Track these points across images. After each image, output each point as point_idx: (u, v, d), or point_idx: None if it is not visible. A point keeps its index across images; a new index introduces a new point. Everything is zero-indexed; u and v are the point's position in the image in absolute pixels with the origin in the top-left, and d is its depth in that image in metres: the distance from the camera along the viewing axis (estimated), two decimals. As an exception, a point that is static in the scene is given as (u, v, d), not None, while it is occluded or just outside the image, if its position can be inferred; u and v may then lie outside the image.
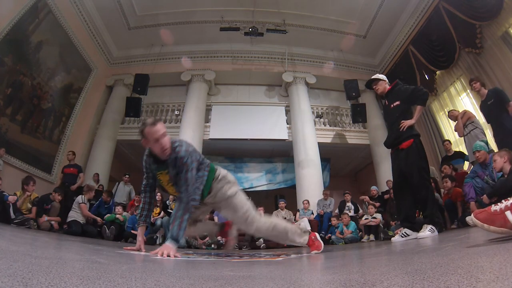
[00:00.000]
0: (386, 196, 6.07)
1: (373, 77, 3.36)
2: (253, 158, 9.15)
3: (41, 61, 6.49)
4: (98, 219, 5.10)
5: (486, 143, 3.85)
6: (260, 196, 9.24)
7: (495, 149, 4.56)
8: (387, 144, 3.21)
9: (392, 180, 3.36)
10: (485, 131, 4.65)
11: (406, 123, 2.94)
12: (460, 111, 5.05)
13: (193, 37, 8.59)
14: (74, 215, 4.89)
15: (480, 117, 5.63)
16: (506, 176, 2.95)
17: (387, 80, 3.31)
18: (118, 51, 9.01)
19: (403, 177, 2.96)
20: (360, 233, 5.51)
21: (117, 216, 5.21)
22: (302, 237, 2.25)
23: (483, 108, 4.26)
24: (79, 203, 5.00)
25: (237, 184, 2.21)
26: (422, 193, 2.84)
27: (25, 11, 5.86)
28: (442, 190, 4.60)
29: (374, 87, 3.29)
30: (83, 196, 5.11)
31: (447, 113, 5.42)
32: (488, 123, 4.33)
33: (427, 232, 2.68)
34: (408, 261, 1.13)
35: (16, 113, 5.93)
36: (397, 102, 3.08)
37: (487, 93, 4.17)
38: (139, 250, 2.10)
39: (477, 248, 1.14)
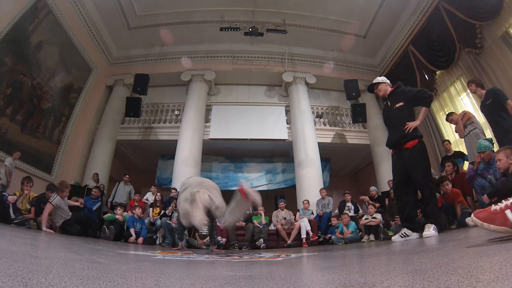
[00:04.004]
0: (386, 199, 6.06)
1: (373, 81, 3.39)
2: (253, 158, 9.15)
3: (41, 61, 6.49)
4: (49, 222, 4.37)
5: (491, 141, 3.81)
6: (260, 196, 9.23)
7: (498, 145, 4.54)
8: (389, 144, 3.21)
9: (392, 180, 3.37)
10: (484, 131, 4.64)
11: (412, 124, 2.95)
12: (460, 113, 5.04)
13: (193, 37, 8.59)
14: (58, 218, 4.47)
15: (480, 117, 5.64)
16: (509, 176, 2.91)
17: (388, 82, 3.34)
18: (118, 51, 9.01)
19: (406, 176, 2.98)
20: (360, 233, 5.50)
21: (117, 216, 5.20)
22: None
23: (483, 108, 4.22)
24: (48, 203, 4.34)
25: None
26: (426, 193, 2.88)
27: (25, 11, 5.86)
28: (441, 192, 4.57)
29: (375, 91, 3.34)
30: (55, 195, 4.46)
31: (445, 116, 5.38)
32: (488, 123, 4.31)
33: (431, 231, 2.67)
34: (408, 261, 1.13)
35: (16, 113, 5.93)
36: (401, 103, 3.10)
37: (485, 93, 4.12)
38: None
39: (477, 248, 1.14)
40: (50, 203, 4.36)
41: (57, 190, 4.56)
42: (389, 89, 3.28)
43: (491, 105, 3.94)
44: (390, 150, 3.29)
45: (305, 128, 8.04)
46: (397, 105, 3.13)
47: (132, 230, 5.02)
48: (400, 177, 3.05)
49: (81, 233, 4.65)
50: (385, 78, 3.40)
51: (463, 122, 4.67)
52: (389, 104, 3.27)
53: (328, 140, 8.41)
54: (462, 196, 3.91)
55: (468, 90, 4.35)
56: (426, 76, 7.51)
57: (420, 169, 2.89)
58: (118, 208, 5.45)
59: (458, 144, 6.33)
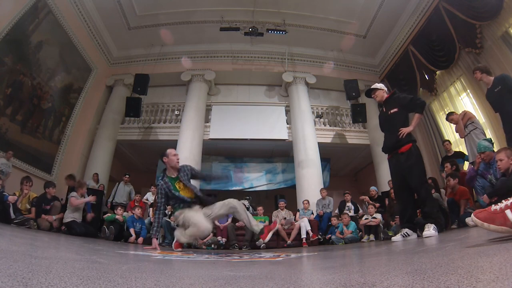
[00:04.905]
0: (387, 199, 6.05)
1: (372, 86, 3.54)
2: (253, 158, 9.15)
3: (41, 61, 6.49)
4: (88, 215, 5.08)
5: (490, 141, 3.77)
6: (260, 196, 9.25)
7: (498, 145, 4.53)
8: (385, 149, 3.34)
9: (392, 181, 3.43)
10: (485, 131, 4.63)
11: (405, 130, 3.08)
12: (460, 113, 5.03)
13: (193, 37, 8.59)
14: (71, 214, 4.72)
15: (480, 117, 5.64)
16: (509, 176, 2.91)
17: (385, 89, 3.49)
18: (118, 51, 9.01)
19: (404, 179, 3.09)
20: (360, 233, 5.50)
21: (117, 216, 5.20)
22: None
23: (490, 96, 4.00)
24: (70, 197, 4.82)
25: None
26: (422, 194, 2.98)
27: (25, 11, 5.86)
28: (442, 191, 4.59)
29: (372, 95, 3.48)
30: (75, 192, 4.95)
31: (446, 116, 5.35)
32: (495, 112, 4.11)
33: (431, 230, 2.73)
34: (408, 261, 1.13)
35: (16, 113, 5.93)
36: (395, 109, 3.23)
37: (493, 80, 3.92)
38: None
39: (477, 248, 1.14)
40: (73, 196, 4.78)
41: (76, 188, 4.99)
42: (385, 95, 3.42)
43: (500, 93, 3.75)
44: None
45: (305, 128, 8.04)
46: (391, 111, 3.26)
47: (132, 230, 5.03)
48: (400, 180, 3.17)
49: (86, 234, 4.67)
50: (383, 85, 3.56)
51: (464, 122, 4.66)
52: (384, 109, 3.40)
53: (328, 140, 8.41)
54: (469, 194, 3.93)
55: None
56: (426, 76, 7.50)
57: (416, 172, 3.01)
58: (119, 208, 5.45)
59: (458, 144, 6.34)
